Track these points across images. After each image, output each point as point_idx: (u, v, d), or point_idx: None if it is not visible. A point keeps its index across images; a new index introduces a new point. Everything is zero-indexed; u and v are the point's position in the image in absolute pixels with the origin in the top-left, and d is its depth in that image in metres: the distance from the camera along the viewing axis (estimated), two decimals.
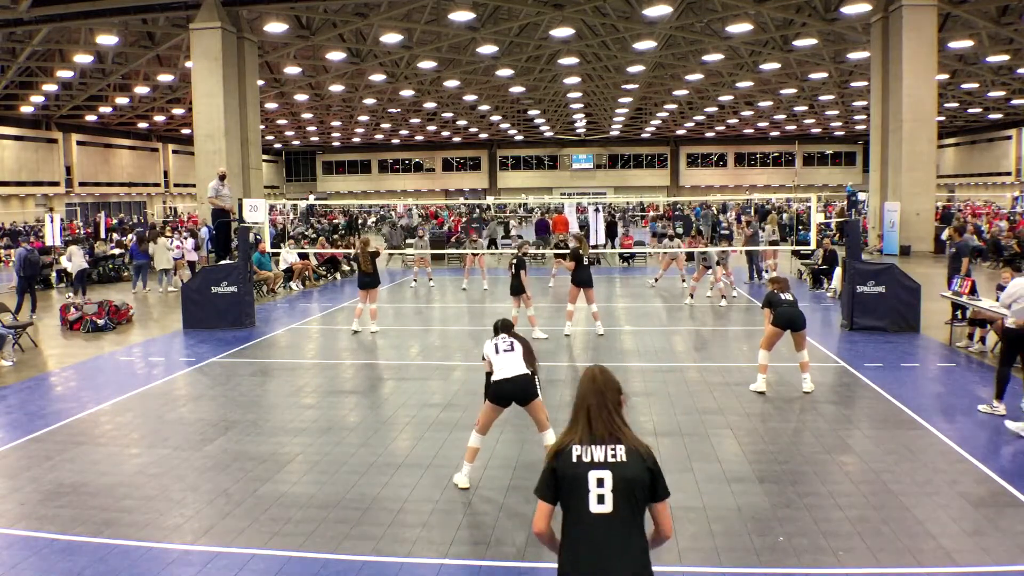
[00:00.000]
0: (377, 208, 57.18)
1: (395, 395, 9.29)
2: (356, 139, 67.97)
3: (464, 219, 38.25)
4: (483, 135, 67.33)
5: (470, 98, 44.35)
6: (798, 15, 27.09)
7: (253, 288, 15.10)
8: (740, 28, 27.12)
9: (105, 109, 44.14)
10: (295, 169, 77.36)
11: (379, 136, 65.71)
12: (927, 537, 5.27)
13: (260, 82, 32.06)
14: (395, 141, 70.32)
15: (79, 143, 49.63)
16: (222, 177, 16.12)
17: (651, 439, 7.30)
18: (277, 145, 71.22)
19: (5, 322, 12.54)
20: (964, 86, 40.14)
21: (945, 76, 35.49)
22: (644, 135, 67.94)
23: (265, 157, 53.73)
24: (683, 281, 18.77)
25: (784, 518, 5.61)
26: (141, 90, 39.03)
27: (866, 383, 9.42)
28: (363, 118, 53.47)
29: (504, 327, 6.44)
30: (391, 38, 28.50)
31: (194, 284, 14.28)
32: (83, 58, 30.94)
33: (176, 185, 59.99)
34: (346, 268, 22.40)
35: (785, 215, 34.66)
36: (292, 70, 35.05)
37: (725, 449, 7.14)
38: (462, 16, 25.58)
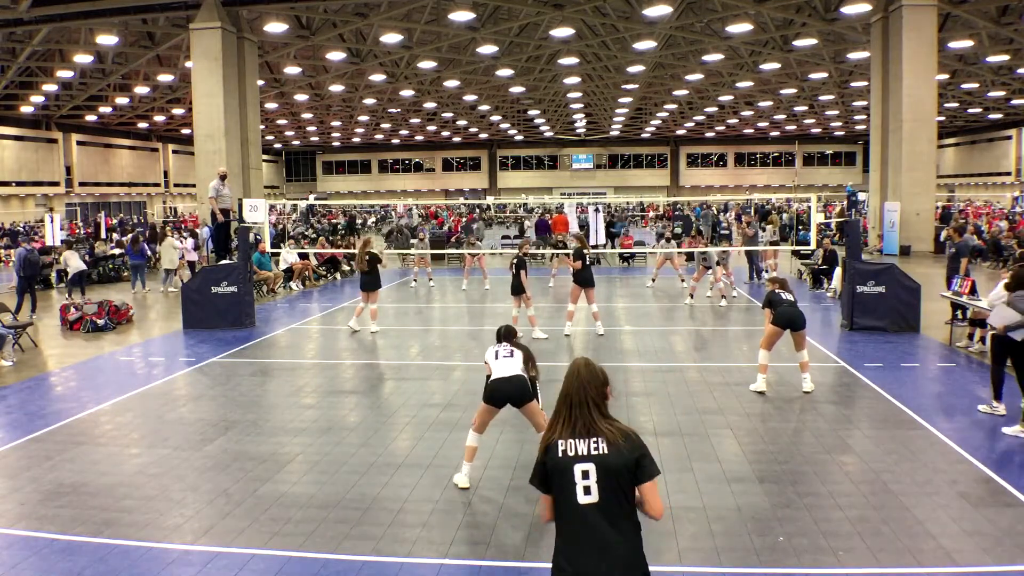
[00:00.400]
0: (377, 208, 57.21)
1: (395, 395, 9.30)
2: (356, 139, 67.98)
3: (464, 219, 38.23)
4: (483, 135, 67.34)
5: (470, 98, 44.35)
6: (798, 15, 27.10)
7: (253, 288, 15.10)
8: (740, 28, 27.13)
9: (105, 109, 44.15)
10: (295, 169, 77.37)
11: (379, 136, 65.72)
12: (927, 537, 5.27)
13: (260, 82, 32.07)
14: (395, 141, 70.33)
15: (79, 143, 49.64)
16: (222, 177, 16.11)
17: (651, 439, 7.30)
18: (277, 145, 71.23)
19: (5, 322, 12.54)
20: (964, 86, 40.15)
21: (945, 76, 35.49)
22: (644, 135, 67.95)
23: (265, 157, 53.75)
24: (682, 281, 18.77)
25: (784, 518, 5.61)
26: (141, 90, 39.04)
27: (866, 383, 9.42)
28: (363, 118, 53.48)
29: (507, 335, 6.50)
30: (391, 38, 28.50)
31: (194, 284, 14.28)
32: (83, 58, 30.95)
33: (176, 185, 59.99)
34: (346, 268, 22.41)
35: (785, 215, 34.66)
36: (292, 70, 35.05)
37: (725, 449, 7.14)
38: (462, 16, 25.58)
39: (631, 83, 40.16)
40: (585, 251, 12.61)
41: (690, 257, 20.37)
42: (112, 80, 36.32)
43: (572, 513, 3.00)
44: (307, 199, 54.29)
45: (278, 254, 19.62)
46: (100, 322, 13.99)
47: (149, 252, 23.78)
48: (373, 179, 75.55)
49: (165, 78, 35.14)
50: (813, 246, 17.01)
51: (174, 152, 59.35)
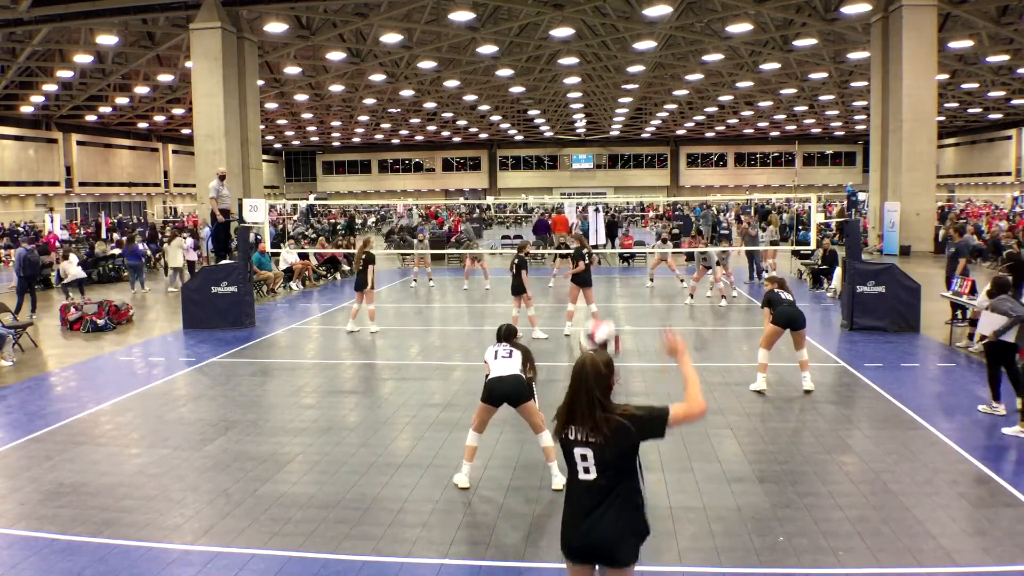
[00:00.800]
0: (376, 208, 57.19)
1: (395, 395, 9.30)
2: (356, 139, 67.97)
3: (464, 219, 38.23)
4: (483, 135, 67.33)
5: (470, 98, 44.35)
6: (798, 15, 27.09)
7: (253, 288, 15.10)
8: (740, 28, 27.13)
9: (105, 109, 44.14)
10: (295, 169, 77.36)
11: (379, 136, 65.71)
12: (927, 537, 5.27)
13: (260, 82, 32.06)
14: (395, 141, 70.31)
15: (79, 143, 49.62)
16: (222, 177, 16.11)
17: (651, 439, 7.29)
18: (277, 145, 71.22)
19: (5, 322, 12.54)
20: (964, 86, 40.14)
21: (945, 76, 35.48)
22: (644, 135, 67.93)
23: (265, 157, 53.72)
24: (681, 281, 18.76)
25: (784, 518, 5.61)
26: (141, 90, 39.03)
27: (866, 383, 9.42)
28: (363, 118, 53.48)
29: (507, 335, 6.50)
30: (391, 38, 28.50)
31: (194, 284, 14.28)
32: (83, 58, 30.94)
33: (176, 185, 59.99)
34: (346, 268, 22.41)
35: (785, 215, 34.66)
36: (292, 70, 35.04)
37: (725, 449, 7.14)
38: (462, 16, 25.58)
39: (631, 83, 40.15)
40: (585, 251, 12.62)
41: (690, 257, 20.36)
42: (112, 80, 36.31)
43: (574, 487, 3.38)
44: (307, 199, 54.28)
45: (278, 254, 19.62)
46: (100, 322, 13.99)
47: (149, 252, 23.80)
48: (373, 179, 75.54)
49: (165, 78, 35.13)
50: (813, 246, 17.01)
51: (174, 152, 59.34)
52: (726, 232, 27.89)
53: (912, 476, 6.37)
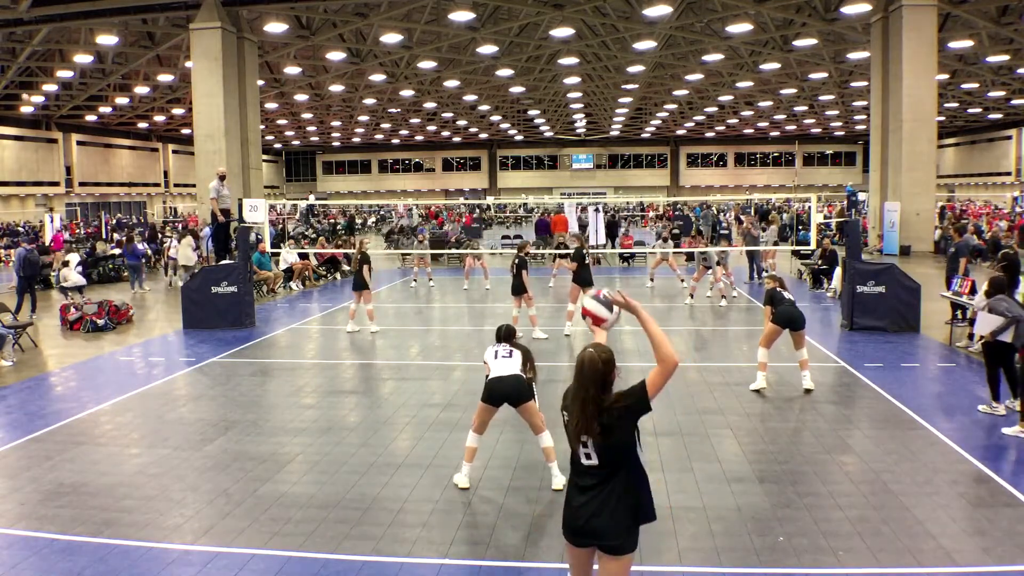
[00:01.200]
0: (376, 208, 57.17)
1: (395, 395, 9.30)
2: (356, 139, 67.96)
3: (464, 219, 38.24)
4: (483, 135, 67.32)
5: (470, 98, 44.35)
6: (798, 15, 27.09)
7: (253, 288, 15.10)
8: (740, 28, 27.12)
9: (105, 109, 44.14)
10: (295, 169, 77.35)
11: (379, 136, 65.70)
12: (927, 537, 5.27)
13: (260, 82, 32.05)
14: (395, 141, 70.30)
15: (79, 143, 49.62)
16: (221, 177, 16.11)
17: (651, 439, 7.31)
18: (277, 145, 71.21)
19: (5, 322, 12.54)
20: (964, 86, 40.13)
21: (945, 76, 35.47)
22: (644, 135, 67.93)
23: (265, 157, 53.73)
24: (681, 281, 18.76)
25: (784, 518, 5.61)
26: (141, 90, 39.02)
27: (866, 383, 9.42)
28: (363, 118, 53.47)
29: (507, 335, 6.50)
30: (391, 38, 28.49)
31: (194, 284, 14.28)
32: (83, 58, 30.93)
33: (176, 185, 59.98)
34: (346, 268, 22.40)
35: (785, 215, 34.65)
36: (292, 70, 35.04)
37: (725, 449, 7.14)
38: (462, 16, 25.57)
39: (631, 83, 40.15)
40: (585, 251, 12.62)
41: (690, 257, 20.36)
42: (112, 80, 36.30)
43: (576, 469, 3.56)
44: (307, 199, 54.28)
45: (278, 254, 19.62)
46: (100, 322, 13.99)
47: (149, 252, 23.80)
48: (373, 179, 75.54)
49: (165, 78, 35.12)
50: (813, 246, 17.01)
51: (174, 152, 59.34)
52: (726, 232, 27.88)
53: (912, 476, 6.37)
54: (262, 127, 39.25)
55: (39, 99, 39.38)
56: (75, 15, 25.79)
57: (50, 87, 36.86)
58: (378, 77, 37.04)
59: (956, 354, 11.01)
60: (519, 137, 67.95)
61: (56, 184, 48.00)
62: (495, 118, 55.91)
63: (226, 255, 15.78)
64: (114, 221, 41.56)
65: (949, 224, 21.25)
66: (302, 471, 6.72)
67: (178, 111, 44.43)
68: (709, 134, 67.77)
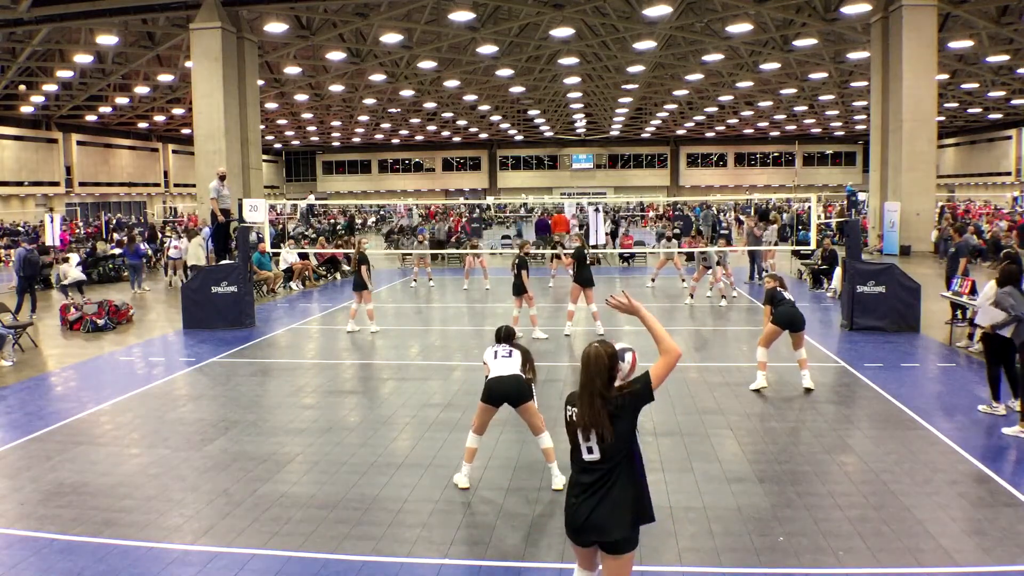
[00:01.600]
0: (377, 208, 57.16)
1: (395, 395, 9.29)
2: (356, 139, 67.96)
3: (463, 219, 38.19)
4: (483, 135, 67.32)
5: (470, 98, 44.35)
6: (798, 15, 27.09)
7: (253, 288, 15.10)
8: (740, 28, 27.13)
9: (105, 109, 44.14)
10: (295, 169, 77.35)
11: (379, 136, 65.70)
12: (927, 537, 5.27)
13: (260, 82, 32.05)
14: (395, 141, 70.31)
15: (79, 143, 49.63)
16: (221, 178, 16.10)
17: (651, 439, 7.31)
18: (277, 145, 71.21)
19: (5, 322, 12.54)
20: (964, 86, 40.13)
21: (945, 76, 35.47)
22: (644, 135, 67.93)
23: (265, 157, 53.72)
24: (682, 281, 18.76)
25: (784, 518, 5.61)
26: (141, 90, 39.02)
27: (866, 383, 9.42)
28: (363, 118, 53.46)
29: (506, 336, 6.50)
30: (391, 38, 28.50)
31: (194, 284, 14.28)
32: (83, 58, 30.94)
33: (176, 185, 59.99)
34: (346, 268, 22.41)
35: (785, 215, 34.64)
36: (292, 70, 35.04)
37: (725, 449, 7.14)
38: (462, 16, 25.58)
39: (631, 83, 40.14)
40: (585, 251, 12.62)
41: (690, 257, 20.36)
42: (112, 80, 36.30)
43: (577, 464, 3.61)
44: (307, 199, 54.28)
45: (278, 254, 19.62)
46: (100, 322, 13.99)
47: (150, 251, 23.79)
48: (373, 179, 75.54)
49: (165, 78, 35.12)
50: (813, 246, 17.01)
51: (174, 152, 59.33)
52: (726, 232, 27.88)
53: (912, 476, 6.37)
54: (262, 127, 39.24)
55: (39, 99, 39.38)
56: (75, 15, 25.80)
57: (50, 87, 36.85)
58: (378, 77, 37.04)
59: (956, 354, 11.01)
60: (519, 137, 67.94)
61: (56, 184, 48.01)
62: (495, 118, 55.90)
63: (226, 255, 15.77)
64: (114, 221, 41.54)
65: (947, 224, 21.23)
66: (302, 471, 6.72)
67: (178, 111, 44.43)
68: (709, 134, 67.77)
